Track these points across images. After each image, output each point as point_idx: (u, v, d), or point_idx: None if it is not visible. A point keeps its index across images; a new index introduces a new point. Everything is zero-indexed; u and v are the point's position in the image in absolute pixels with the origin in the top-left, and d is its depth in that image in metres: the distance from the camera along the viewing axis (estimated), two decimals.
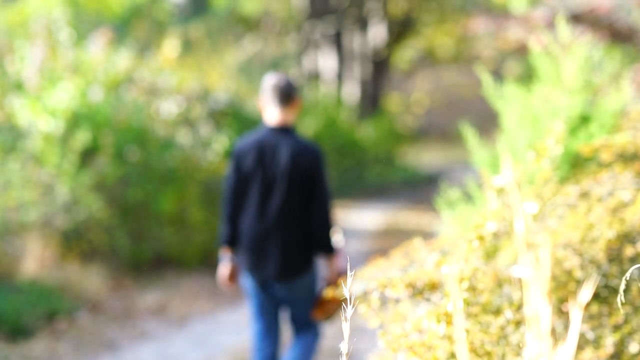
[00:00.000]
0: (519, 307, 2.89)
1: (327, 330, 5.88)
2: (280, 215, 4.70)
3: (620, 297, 2.33)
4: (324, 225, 4.73)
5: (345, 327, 2.12)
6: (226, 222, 4.81)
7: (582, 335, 3.05)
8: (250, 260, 4.77)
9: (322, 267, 5.05)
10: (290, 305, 4.90)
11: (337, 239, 4.89)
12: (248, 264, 4.79)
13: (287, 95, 4.73)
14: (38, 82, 8.09)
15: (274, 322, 4.90)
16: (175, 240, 8.99)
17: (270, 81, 4.78)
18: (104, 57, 9.20)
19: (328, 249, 4.77)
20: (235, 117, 10.42)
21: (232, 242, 4.83)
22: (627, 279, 2.35)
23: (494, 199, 3.47)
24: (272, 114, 4.76)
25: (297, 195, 4.70)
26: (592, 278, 3.17)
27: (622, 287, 2.31)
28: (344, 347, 2.15)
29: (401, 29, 20.25)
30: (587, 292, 1.73)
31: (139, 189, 8.63)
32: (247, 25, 19.35)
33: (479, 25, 10.03)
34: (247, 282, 4.87)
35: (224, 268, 4.86)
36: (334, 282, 4.79)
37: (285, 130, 4.75)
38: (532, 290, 1.61)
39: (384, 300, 3.51)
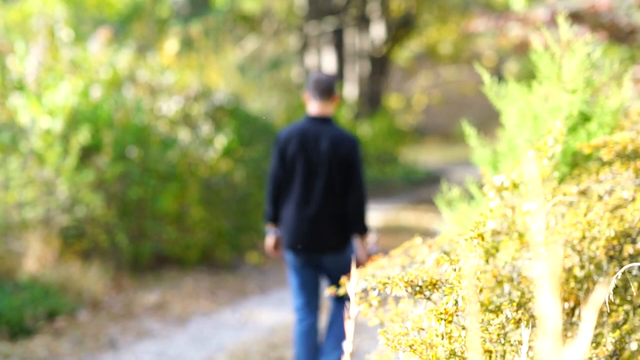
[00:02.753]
0: (519, 306, 2.89)
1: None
2: (324, 196, 5.27)
3: (609, 296, 2.33)
4: (359, 207, 5.30)
5: (350, 326, 2.13)
6: (270, 204, 5.43)
7: None
8: (297, 239, 5.31)
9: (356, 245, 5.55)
10: (331, 276, 5.41)
11: (371, 237, 5.49)
12: (293, 243, 5.33)
13: (327, 90, 5.37)
14: (39, 81, 8.09)
15: (314, 296, 5.50)
16: (175, 238, 8.99)
17: (313, 77, 5.43)
18: (104, 55, 9.20)
19: (361, 230, 5.33)
20: (235, 115, 10.42)
21: (276, 219, 5.46)
22: (619, 278, 2.35)
23: (494, 198, 3.48)
24: (313, 106, 5.40)
25: (336, 178, 5.28)
26: (592, 277, 3.17)
27: (612, 285, 2.31)
28: (347, 346, 2.15)
29: (401, 28, 20.25)
30: (600, 294, 1.74)
31: (139, 187, 8.63)
32: (248, 23, 19.34)
33: (479, 24, 10.03)
34: (290, 259, 5.42)
35: (270, 239, 5.54)
36: (364, 260, 5.29)
37: (324, 120, 5.37)
38: (541, 289, 1.61)
39: (384, 299, 3.52)
